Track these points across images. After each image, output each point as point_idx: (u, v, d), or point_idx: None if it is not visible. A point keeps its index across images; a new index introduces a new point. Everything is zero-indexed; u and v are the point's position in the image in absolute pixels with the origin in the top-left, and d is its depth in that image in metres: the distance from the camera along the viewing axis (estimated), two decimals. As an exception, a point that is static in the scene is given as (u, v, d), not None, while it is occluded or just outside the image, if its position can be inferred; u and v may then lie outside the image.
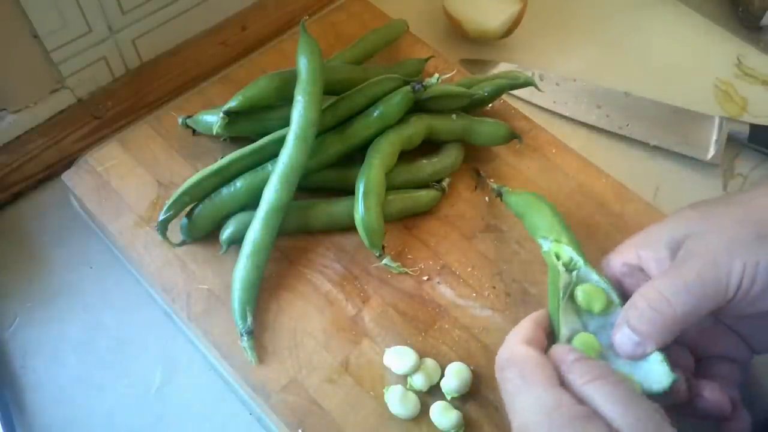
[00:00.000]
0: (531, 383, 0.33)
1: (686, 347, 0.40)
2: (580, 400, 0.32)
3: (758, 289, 0.34)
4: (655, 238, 0.38)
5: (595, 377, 0.33)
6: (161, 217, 0.48)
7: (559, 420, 0.31)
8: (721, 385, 0.38)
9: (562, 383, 0.33)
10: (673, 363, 0.36)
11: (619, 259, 0.40)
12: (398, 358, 0.44)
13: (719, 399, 0.37)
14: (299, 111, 0.47)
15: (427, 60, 0.59)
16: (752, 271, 0.34)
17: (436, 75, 0.51)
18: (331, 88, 0.51)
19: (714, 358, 0.40)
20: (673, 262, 0.36)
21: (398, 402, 0.43)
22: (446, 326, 0.47)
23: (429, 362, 0.45)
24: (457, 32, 0.67)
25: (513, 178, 0.54)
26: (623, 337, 0.36)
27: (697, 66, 0.69)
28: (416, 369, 0.44)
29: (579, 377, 0.33)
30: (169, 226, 0.49)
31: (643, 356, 0.36)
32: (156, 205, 0.51)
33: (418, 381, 0.44)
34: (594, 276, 0.40)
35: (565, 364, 0.34)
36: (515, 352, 0.35)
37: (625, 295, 0.39)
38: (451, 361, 0.45)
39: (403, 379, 0.45)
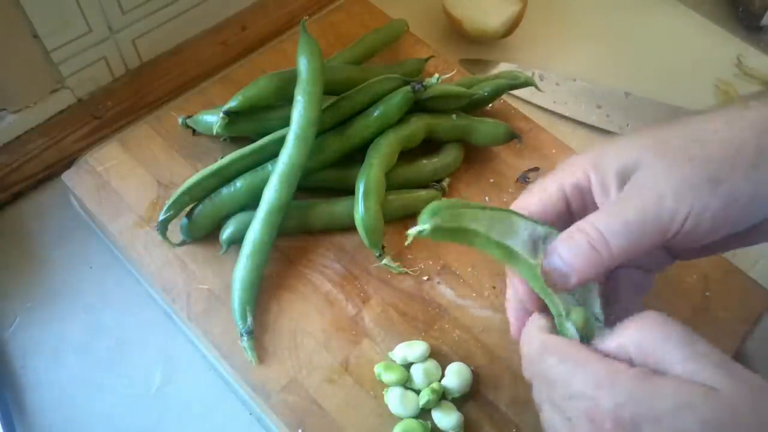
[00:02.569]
0: (580, 361, 0.32)
1: None
2: (637, 362, 0.31)
3: (702, 232, 0.33)
4: (605, 164, 0.36)
5: (647, 320, 0.32)
6: (161, 217, 0.48)
7: (624, 386, 0.30)
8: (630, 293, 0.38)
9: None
10: None
11: (569, 179, 0.37)
12: (408, 348, 0.45)
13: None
14: (299, 111, 0.47)
15: (427, 60, 0.59)
16: (696, 219, 0.33)
17: (436, 75, 0.51)
18: (331, 88, 0.51)
19: (629, 267, 0.39)
20: (619, 194, 0.35)
21: (398, 402, 0.43)
22: (446, 326, 0.47)
23: (429, 362, 0.45)
24: (457, 32, 0.67)
25: (513, 178, 0.54)
26: (552, 265, 0.34)
27: (697, 66, 0.69)
28: (425, 358, 0.45)
29: (627, 328, 0.32)
30: (169, 226, 0.49)
31: (564, 288, 0.35)
32: (156, 205, 0.51)
33: (418, 380, 0.44)
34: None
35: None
36: (547, 342, 0.34)
37: (571, 216, 0.37)
38: (451, 361, 0.45)
39: (404, 374, 0.45)
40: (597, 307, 0.36)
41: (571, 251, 0.34)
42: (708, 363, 0.29)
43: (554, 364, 0.33)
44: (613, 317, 0.36)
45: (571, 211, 0.38)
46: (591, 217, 0.34)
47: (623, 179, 0.35)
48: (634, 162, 0.35)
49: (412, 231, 0.35)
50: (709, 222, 0.33)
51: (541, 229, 0.36)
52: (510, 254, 0.36)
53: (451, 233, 0.36)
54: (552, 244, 0.35)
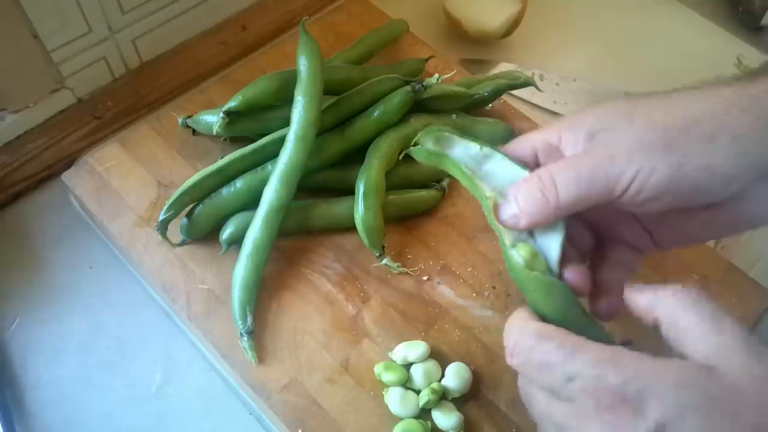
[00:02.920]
0: (579, 345, 0.32)
1: (587, 228, 0.40)
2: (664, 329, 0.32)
3: (644, 197, 0.34)
4: (579, 124, 0.37)
5: (679, 290, 0.33)
6: (161, 217, 0.48)
7: (628, 365, 0.30)
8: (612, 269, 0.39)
9: None
10: (571, 240, 0.37)
11: (541, 136, 0.38)
12: (408, 348, 0.45)
13: (579, 278, 0.37)
14: (299, 111, 0.47)
15: (427, 60, 0.59)
16: (642, 181, 0.33)
17: (436, 75, 0.51)
18: (331, 88, 0.51)
19: (615, 243, 0.40)
20: (580, 149, 0.36)
21: (398, 402, 0.43)
22: (446, 326, 0.47)
23: (429, 362, 0.45)
24: (457, 32, 0.67)
25: (513, 178, 0.54)
26: (506, 207, 0.36)
27: (697, 66, 0.68)
28: (425, 358, 0.45)
29: (661, 292, 0.33)
30: (169, 226, 0.49)
31: (515, 229, 0.36)
32: (156, 205, 0.51)
33: (418, 380, 0.44)
34: (502, 160, 0.39)
35: (638, 288, 0.34)
36: (542, 329, 0.34)
37: None
38: (451, 361, 0.45)
39: (404, 374, 0.45)
40: (554, 257, 0.36)
41: (523, 194, 0.35)
42: (729, 339, 0.30)
43: (551, 349, 0.33)
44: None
45: (539, 166, 0.39)
46: (550, 166, 0.36)
47: (591, 138, 0.36)
48: (603, 124, 0.36)
49: (405, 151, 0.40)
50: (655, 186, 0.33)
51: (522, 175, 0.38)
52: (472, 184, 0.38)
53: (434, 156, 0.39)
54: (512, 187, 0.37)
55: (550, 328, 0.34)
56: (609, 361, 0.31)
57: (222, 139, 0.54)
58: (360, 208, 0.48)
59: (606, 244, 0.41)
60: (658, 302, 0.32)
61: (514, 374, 0.45)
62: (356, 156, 0.51)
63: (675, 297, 0.32)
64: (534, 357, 0.34)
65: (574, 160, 0.35)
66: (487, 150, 0.39)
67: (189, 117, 0.54)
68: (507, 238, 0.37)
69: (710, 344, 0.30)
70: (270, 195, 0.47)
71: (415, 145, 0.40)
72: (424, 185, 0.52)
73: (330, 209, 0.50)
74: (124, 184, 0.52)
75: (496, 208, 0.36)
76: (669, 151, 0.33)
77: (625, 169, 0.33)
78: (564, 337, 0.33)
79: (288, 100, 0.49)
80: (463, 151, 0.39)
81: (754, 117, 0.33)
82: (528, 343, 0.34)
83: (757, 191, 0.34)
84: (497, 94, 0.56)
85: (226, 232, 0.49)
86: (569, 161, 0.36)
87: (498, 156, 0.39)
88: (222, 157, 0.50)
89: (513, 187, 0.37)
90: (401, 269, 0.49)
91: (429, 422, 0.43)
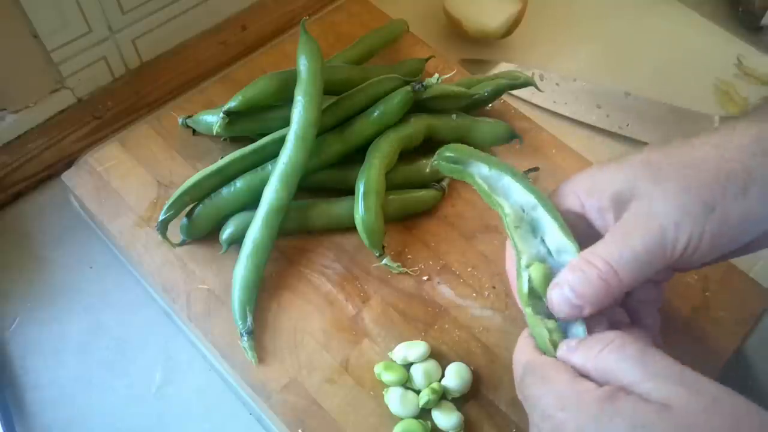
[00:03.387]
0: (551, 382, 0.33)
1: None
2: (602, 383, 0.32)
3: (699, 254, 0.35)
4: (600, 189, 0.37)
5: (604, 345, 0.33)
6: (161, 217, 0.48)
7: (586, 408, 0.31)
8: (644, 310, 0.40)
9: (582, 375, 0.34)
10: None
11: (562, 207, 0.39)
12: (408, 348, 0.45)
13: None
14: (299, 111, 0.47)
15: (427, 60, 0.59)
16: (697, 241, 0.34)
17: (436, 75, 0.51)
18: (331, 88, 0.51)
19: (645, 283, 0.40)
20: (619, 223, 0.36)
21: (398, 402, 0.43)
22: (446, 326, 0.47)
23: (429, 362, 0.45)
24: (457, 32, 0.67)
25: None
26: (561, 298, 0.35)
27: (697, 66, 0.69)
28: (425, 358, 0.45)
29: (589, 351, 0.33)
30: (169, 226, 0.49)
31: (577, 318, 0.36)
32: (156, 205, 0.51)
33: (418, 380, 0.44)
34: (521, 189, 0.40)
35: (570, 348, 0.35)
36: (530, 362, 0.35)
37: None
38: (451, 361, 0.45)
39: (404, 374, 0.45)
40: None
41: (582, 284, 0.35)
42: (663, 381, 0.31)
43: (532, 383, 0.34)
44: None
45: None
46: (598, 249, 0.36)
47: (618, 204, 0.36)
48: (630, 188, 0.36)
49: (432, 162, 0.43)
50: (707, 245, 0.35)
51: (534, 202, 0.39)
52: (490, 198, 0.40)
53: (458, 172, 0.42)
54: (559, 276, 0.36)
55: (536, 362, 0.35)
56: (572, 405, 0.32)
57: (222, 139, 0.54)
58: (360, 208, 0.48)
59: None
60: (587, 364, 0.33)
61: (514, 374, 0.45)
62: (356, 156, 0.51)
63: (599, 354, 0.33)
64: (523, 391, 0.35)
65: (623, 239, 0.35)
66: (495, 172, 0.41)
67: (189, 117, 0.54)
68: (524, 258, 0.38)
69: (646, 391, 0.31)
70: (270, 195, 0.47)
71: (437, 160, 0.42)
72: (424, 185, 0.52)
73: (330, 209, 0.50)
74: (124, 184, 0.52)
75: (558, 304, 0.36)
76: (710, 211, 0.34)
77: (678, 237, 0.34)
78: (543, 372, 0.34)
79: (288, 100, 0.49)
80: (479, 168, 0.41)
81: None
82: (518, 375, 0.36)
83: None
84: (497, 94, 0.56)
85: (226, 232, 0.49)
86: (618, 240, 0.36)
87: (507, 177, 0.40)
88: (222, 157, 0.50)
89: (562, 276, 0.36)
90: (401, 269, 0.49)
91: (429, 422, 0.43)
